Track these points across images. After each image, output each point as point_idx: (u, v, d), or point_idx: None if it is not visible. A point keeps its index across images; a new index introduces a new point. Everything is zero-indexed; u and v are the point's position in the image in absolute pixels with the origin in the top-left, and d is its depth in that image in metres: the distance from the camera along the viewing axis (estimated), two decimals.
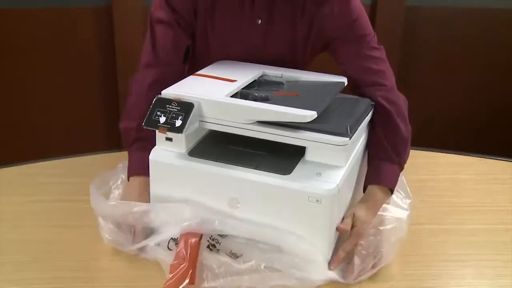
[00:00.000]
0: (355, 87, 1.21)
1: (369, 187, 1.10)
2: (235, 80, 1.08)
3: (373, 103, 1.15)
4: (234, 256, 1.00)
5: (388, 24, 2.42)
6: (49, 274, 0.99)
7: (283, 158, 1.00)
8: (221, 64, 1.20)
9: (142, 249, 1.03)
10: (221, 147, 1.04)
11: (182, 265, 0.95)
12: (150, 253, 1.02)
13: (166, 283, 0.93)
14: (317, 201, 0.93)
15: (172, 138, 1.01)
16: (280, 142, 0.98)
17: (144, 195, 1.07)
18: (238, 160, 0.99)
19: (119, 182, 1.17)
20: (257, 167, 0.98)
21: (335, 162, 0.98)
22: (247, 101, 1.00)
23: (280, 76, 1.18)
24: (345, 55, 1.21)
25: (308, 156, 1.00)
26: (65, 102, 2.46)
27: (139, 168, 1.11)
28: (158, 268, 1.01)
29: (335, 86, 1.12)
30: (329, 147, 0.96)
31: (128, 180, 1.14)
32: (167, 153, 1.02)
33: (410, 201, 1.11)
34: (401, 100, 1.19)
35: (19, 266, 1.01)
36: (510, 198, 1.27)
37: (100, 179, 1.15)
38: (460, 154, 1.48)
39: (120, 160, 1.21)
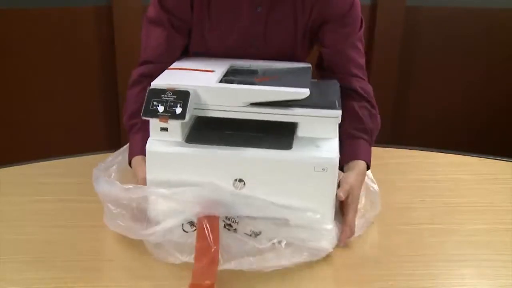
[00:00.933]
0: (331, 72, 1.25)
1: (353, 162, 1.15)
2: (212, 71, 1.11)
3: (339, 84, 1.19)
4: (254, 234, 1.02)
5: (388, 24, 2.42)
6: (49, 274, 0.99)
7: (277, 136, 1.04)
8: (188, 60, 1.22)
9: (154, 233, 1.02)
10: (215, 132, 1.05)
11: (213, 249, 0.95)
12: (163, 237, 1.01)
13: (195, 267, 0.93)
14: (323, 169, 0.99)
15: (167, 128, 1.02)
16: (269, 123, 1.02)
17: None
18: (237, 142, 1.02)
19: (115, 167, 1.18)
20: (258, 146, 1.01)
21: (327, 134, 1.04)
22: (241, 85, 1.03)
23: (249, 65, 1.20)
24: (334, 40, 1.23)
25: (300, 132, 1.04)
26: (65, 102, 2.46)
27: (139, 149, 1.12)
28: (158, 268, 1.01)
29: (305, 70, 1.18)
30: (323, 120, 1.02)
31: (130, 165, 1.15)
32: (164, 142, 1.02)
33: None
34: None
35: (19, 266, 1.01)
36: (510, 198, 1.27)
37: (103, 166, 1.17)
38: (460, 154, 1.48)
39: None
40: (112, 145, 1.38)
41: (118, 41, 2.35)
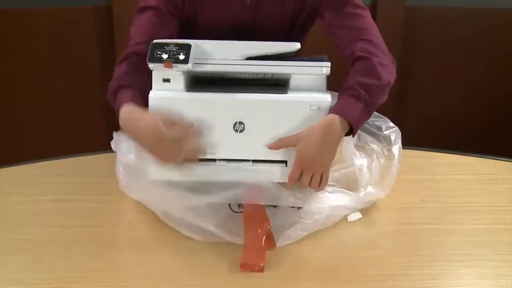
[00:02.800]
0: (342, 51, 1.22)
1: (328, 115, 1.05)
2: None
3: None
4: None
5: (389, 24, 2.41)
6: (49, 274, 0.99)
7: (272, 88, 1.12)
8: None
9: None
10: (214, 84, 1.12)
11: (266, 230, 1.03)
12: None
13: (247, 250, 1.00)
14: (318, 108, 1.07)
15: (170, 79, 1.07)
16: (263, 80, 1.12)
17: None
18: (236, 89, 1.08)
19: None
20: (256, 91, 1.08)
21: (317, 87, 1.11)
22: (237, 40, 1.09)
23: None
24: (330, 18, 1.24)
25: (292, 85, 1.11)
26: (65, 102, 2.46)
27: (128, 98, 1.07)
28: (159, 267, 1.01)
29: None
30: (313, 70, 1.10)
31: (120, 117, 1.07)
32: (166, 91, 1.08)
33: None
34: (389, 60, 1.19)
35: (19, 266, 1.01)
36: (510, 198, 1.27)
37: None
38: (460, 154, 1.48)
39: None
40: None
41: (118, 41, 2.35)
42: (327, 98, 1.08)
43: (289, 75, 1.12)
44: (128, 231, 1.12)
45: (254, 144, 1.07)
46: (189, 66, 1.04)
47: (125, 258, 1.03)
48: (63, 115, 2.47)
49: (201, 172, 1.08)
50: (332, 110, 1.06)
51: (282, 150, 1.08)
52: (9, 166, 1.35)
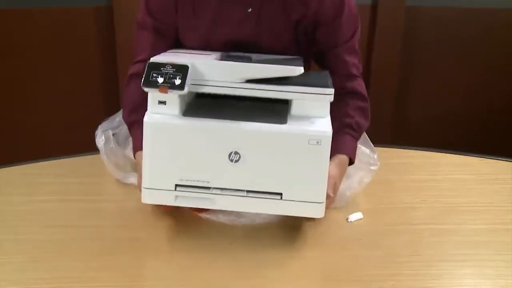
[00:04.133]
0: (330, 73, 1.25)
1: (335, 156, 1.16)
2: (209, 54, 1.13)
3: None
4: (238, 215, 1.10)
5: (389, 24, 2.42)
6: (49, 274, 0.99)
7: (272, 113, 1.06)
8: (179, 50, 1.22)
9: None
10: (211, 108, 1.06)
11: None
12: None
13: None
14: (317, 142, 1.01)
15: (165, 101, 1.03)
16: (263, 102, 1.05)
17: None
18: (233, 116, 1.03)
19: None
20: (254, 119, 1.03)
21: (319, 113, 1.06)
22: (238, 62, 1.05)
23: (242, 54, 1.21)
24: (329, 43, 1.25)
25: (294, 110, 1.07)
26: (66, 102, 2.46)
27: (141, 144, 1.12)
28: (158, 267, 1.01)
29: (297, 58, 1.19)
30: (316, 98, 1.05)
31: (135, 158, 1.17)
32: (162, 115, 1.04)
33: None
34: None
35: (19, 266, 1.01)
36: (510, 198, 1.27)
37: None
38: (460, 154, 1.48)
39: None
40: None
41: (119, 41, 2.35)
42: (327, 130, 1.03)
43: (290, 100, 1.07)
44: (128, 231, 1.11)
45: (249, 174, 1.04)
46: (185, 92, 0.99)
47: (125, 258, 1.03)
48: (63, 115, 2.47)
49: (195, 199, 1.06)
50: (342, 151, 1.18)
51: (278, 182, 1.05)
52: (9, 166, 1.35)
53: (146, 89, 1.00)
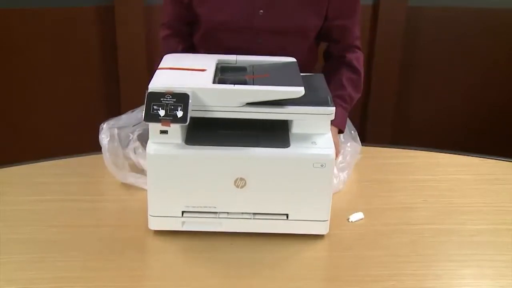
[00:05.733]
0: (335, 42, 1.40)
1: (334, 128, 1.28)
2: (204, 69, 1.12)
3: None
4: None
5: (390, 24, 2.42)
6: (49, 274, 0.99)
7: (273, 134, 1.06)
8: (174, 57, 1.22)
9: None
10: (212, 133, 1.06)
11: None
12: None
13: None
14: (321, 165, 1.03)
15: (167, 131, 1.02)
16: (262, 122, 1.05)
17: None
18: (236, 142, 1.03)
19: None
20: (257, 145, 1.03)
21: (320, 130, 1.07)
22: (237, 85, 1.04)
23: (235, 61, 1.22)
24: (338, 15, 1.34)
25: (295, 129, 1.07)
26: (66, 102, 2.46)
27: None
28: (159, 267, 1.01)
29: (293, 66, 1.19)
30: (316, 117, 1.06)
31: None
32: (164, 145, 1.03)
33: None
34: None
35: (19, 266, 1.01)
36: (510, 199, 1.27)
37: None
38: (460, 154, 1.47)
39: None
40: None
41: (120, 41, 2.35)
42: (330, 153, 1.03)
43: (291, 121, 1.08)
44: (128, 231, 1.11)
45: (255, 198, 1.05)
46: (187, 123, 0.99)
47: (125, 258, 1.03)
48: (64, 115, 2.47)
49: (202, 224, 1.07)
50: (334, 123, 1.24)
51: (283, 204, 1.06)
52: (9, 166, 1.35)
53: (148, 123, 1.00)
